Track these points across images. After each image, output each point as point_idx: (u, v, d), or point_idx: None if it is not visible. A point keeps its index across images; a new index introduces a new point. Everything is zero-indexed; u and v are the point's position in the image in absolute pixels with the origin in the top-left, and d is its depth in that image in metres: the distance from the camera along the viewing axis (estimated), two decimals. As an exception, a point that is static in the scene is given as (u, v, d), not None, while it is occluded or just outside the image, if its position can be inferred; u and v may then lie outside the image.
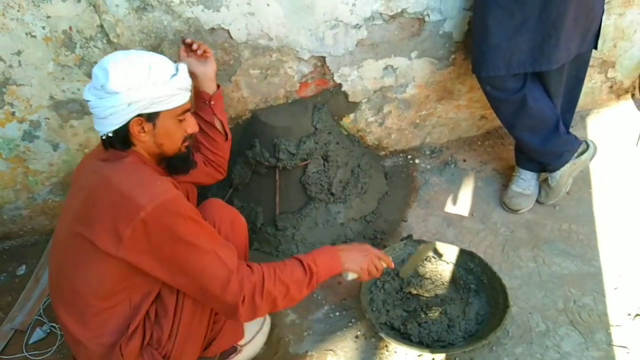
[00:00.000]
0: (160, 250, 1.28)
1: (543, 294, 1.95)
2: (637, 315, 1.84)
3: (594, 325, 1.83)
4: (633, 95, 2.71)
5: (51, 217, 2.32)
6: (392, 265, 1.64)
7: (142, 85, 1.29)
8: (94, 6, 1.77)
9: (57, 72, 1.89)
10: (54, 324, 1.97)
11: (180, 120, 1.42)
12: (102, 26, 1.82)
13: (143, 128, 1.34)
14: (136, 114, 1.31)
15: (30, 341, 1.94)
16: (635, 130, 2.57)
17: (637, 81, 2.62)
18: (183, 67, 1.40)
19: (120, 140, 1.35)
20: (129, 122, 1.32)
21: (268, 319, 1.91)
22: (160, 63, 1.34)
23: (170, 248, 1.28)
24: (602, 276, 1.98)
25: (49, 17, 1.76)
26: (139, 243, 1.26)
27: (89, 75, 1.92)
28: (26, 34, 1.78)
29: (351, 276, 1.56)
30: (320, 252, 1.49)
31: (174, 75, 1.36)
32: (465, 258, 1.96)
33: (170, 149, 1.44)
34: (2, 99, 1.90)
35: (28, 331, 1.97)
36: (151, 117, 1.34)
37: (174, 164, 1.48)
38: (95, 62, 1.88)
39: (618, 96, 2.71)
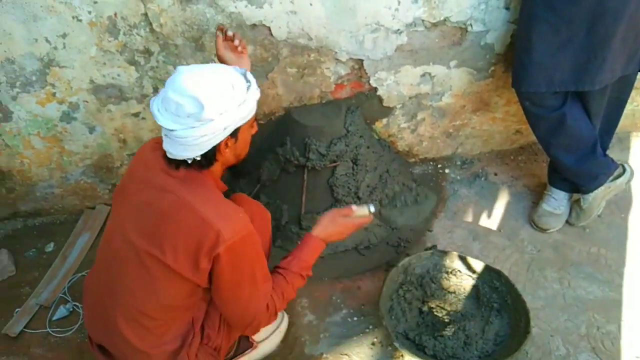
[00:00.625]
0: (229, 277, 1.33)
1: (566, 317, 1.91)
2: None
3: (615, 354, 1.80)
4: (676, 121, 2.63)
5: (82, 197, 2.37)
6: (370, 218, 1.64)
7: (233, 108, 1.27)
8: (140, -6, 1.80)
9: (99, 56, 1.92)
10: (77, 303, 2.02)
11: (252, 126, 1.43)
12: (146, 14, 1.84)
13: (227, 144, 1.35)
14: (228, 134, 1.31)
15: (54, 318, 2.00)
16: (676, 158, 2.50)
17: (681, 107, 2.54)
18: (251, 76, 1.37)
19: (206, 162, 1.34)
20: (219, 143, 1.32)
21: (286, 318, 1.93)
22: (236, 78, 1.30)
23: (239, 276, 1.34)
24: (629, 305, 1.94)
25: (95, 2, 1.79)
26: (215, 270, 1.31)
27: (129, 62, 1.95)
28: (72, 18, 1.81)
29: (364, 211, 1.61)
30: (312, 249, 1.56)
31: (249, 87, 1.33)
32: (492, 276, 1.94)
33: (244, 155, 1.47)
34: (44, 79, 1.95)
35: (52, 308, 2.02)
36: (235, 133, 1.34)
37: (239, 167, 1.51)
38: (138, 50, 1.91)
39: (660, 121, 2.64)
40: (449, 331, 1.82)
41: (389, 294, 1.91)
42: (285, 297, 1.48)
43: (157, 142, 1.43)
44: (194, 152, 1.29)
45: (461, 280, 1.98)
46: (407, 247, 2.19)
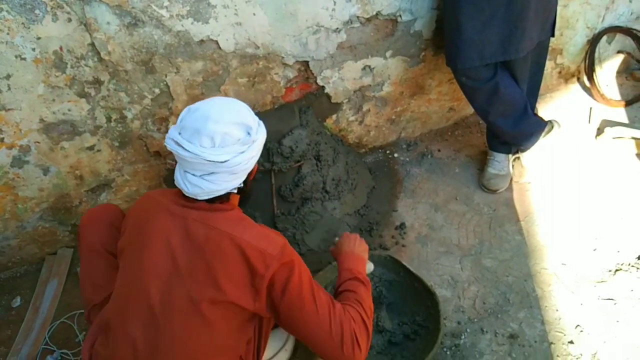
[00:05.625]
0: (293, 294, 1.28)
1: (533, 261, 2.12)
2: (617, 270, 2.05)
3: (581, 283, 2.02)
4: (579, 79, 2.98)
5: (41, 244, 2.26)
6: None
7: (258, 125, 1.35)
8: (85, 25, 1.77)
9: (47, 93, 1.87)
10: (65, 350, 1.93)
11: None
12: (93, 44, 1.82)
13: (255, 166, 1.40)
14: (259, 155, 1.37)
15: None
16: (585, 110, 2.84)
17: (583, 65, 2.89)
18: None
19: (244, 187, 1.38)
20: (254, 167, 1.36)
21: (292, 337, 1.88)
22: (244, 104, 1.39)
23: (300, 291, 1.29)
24: (580, 240, 2.18)
25: (39, 38, 1.74)
26: (273, 293, 1.27)
27: (79, 95, 1.91)
28: (16, 57, 1.75)
29: (368, 268, 1.69)
30: (353, 261, 1.57)
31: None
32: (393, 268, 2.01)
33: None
34: (-10, 125, 1.86)
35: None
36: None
37: (247, 196, 1.51)
38: (87, 81, 1.88)
39: (566, 80, 2.98)
40: None
41: None
42: (360, 301, 1.41)
43: (158, 192, 1.42)
44: (240, 179, 1.33)
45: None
46: (378, 229, 2.31)
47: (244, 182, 1.37)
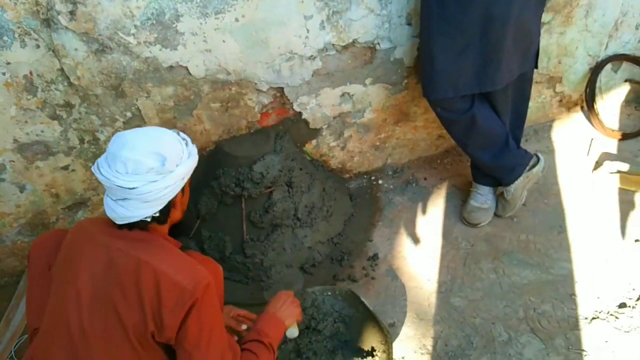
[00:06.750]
0: (200, 329, 1.30)
1: (504, 304, 2.02)
2: (593, 318, 1.93)
3: (553, 331, 1.92)
4: (582, 108, 2.85)
5: (21, 257, 2.33)
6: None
7: (185, 158, 1.36)
8: (53, 51, 1.82)
9: (19, 115, 1.93)
10: (26, 366, 1.97)
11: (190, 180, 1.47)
12: (62, 69, 1.87)
13: (177, 198, 1.40)
14: (183, 185, 1.37)
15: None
16: (586, 141, 2.70)
17: (584, 94, 2.76)
18: (183, 134, 1.44)
19: (163, 218, 1.38)
20: (175, 196, 1.37)
21: None
22: (176, 134, 1.40)
23: (209, 326, 1.31)
24: (560, 283, 2.07)
25: (8, 63, 1.80)
26: (184, 324, 1.27)
27: (52, 117, 1.96)
28: (-13, 81, 1.82)
29: (290, 334, 1.67)
30: (267, 323, 1.57)
31: (187, 142, 1.41)
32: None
33: (185, 209, 1.51)
34: (-35, 144, 1.93)
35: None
36: (183, 186, 1.40)
37: (180, 224, 1.52)
38: (58, 104, 1.93)
39: (568, 109, 2.85)
40: None
41: None
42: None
43: (91, 221, 1.45)
44: (154, 208, 1.33)
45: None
46: (349, 259, 2.26)
47: (164, 212, 1.37)
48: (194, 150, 1.43)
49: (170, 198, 1.35)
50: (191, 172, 1.41)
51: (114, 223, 1.36)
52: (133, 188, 1.26)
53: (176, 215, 1.46)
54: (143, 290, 1.26)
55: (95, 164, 1.33)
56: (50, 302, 1.40)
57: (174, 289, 1.26)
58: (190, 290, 1.26)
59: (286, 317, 1.62)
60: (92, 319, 1.29)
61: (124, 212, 1.30)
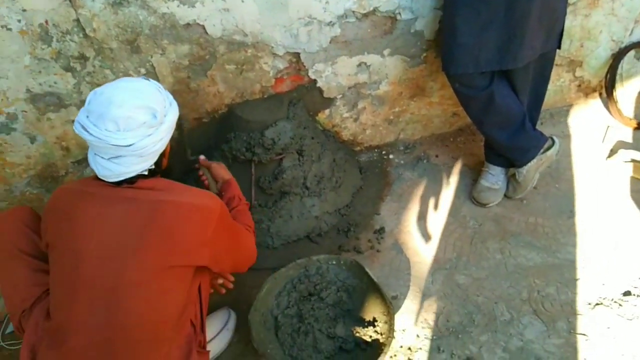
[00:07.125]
0: (228, 240, 1.45)
1: (509, 284, 2.02)
2: (596, 304, 1.92)
3: (555, 314, 1.91)
4: (601, 94, 2.80)
5: (28, 209, 2.33)
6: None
7: (168, 107, 1.36)
8: (69, 0, 1.79)
9: (33, 65, 1.91)
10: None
11: None
12: (78, 20, 1.84)
13: (167, 146, 1.42)
14: (171, 135, 1.39)
15: (7, 331, 1.97)
16: (602, 128, 2.66)
17: (604, 81, 2.71)
18: (152, 80, 1.43)
19: (159, 169, 1.41)
20: (166, 146, 1.39)
21: (233, 316, 1.92)
22: (153, 83, 1.39)
23: (234, 234, 1.50)
24: (565, 267, 2.06)
25: (24, 10, 1.77)
26: (218, 240, 1.39)
27: (65, 69, 1.94)
28: (2, 27, 1.79)
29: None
30: (236, 186, 1.82)
31: (161, 88, 1.40)
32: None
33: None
34: (-22, 91, 1.92)
35: (5, 321, 1.99)
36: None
37: (167, 171, 1.55)
38: (73, 56, 1.91)
39: (586, 95, 2.80)
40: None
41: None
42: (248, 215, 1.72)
43: (77, 183, 1.40)
44: (150, 161, 1.34)
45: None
46: (356, 231, 2.26)
47: (157, 163, 1.39)
48: (169, 95, 1.42)
49: (163, 149, 1.36)
50: (176, 119, 1.41)
51: (103, 180, 1.33)
52: (129, 145, 1.24)
53: (164, 163, 1.47)
54: (178, 225, 1.29)
55: (77, 124, 1.27)
56: (57, 270, 1.34)
57: (197, 211, 1.32)
58: (211, 208, 1.35)
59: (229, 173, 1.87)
60: (124, 269, 1.26)
61: (119, 169, 1.29)
